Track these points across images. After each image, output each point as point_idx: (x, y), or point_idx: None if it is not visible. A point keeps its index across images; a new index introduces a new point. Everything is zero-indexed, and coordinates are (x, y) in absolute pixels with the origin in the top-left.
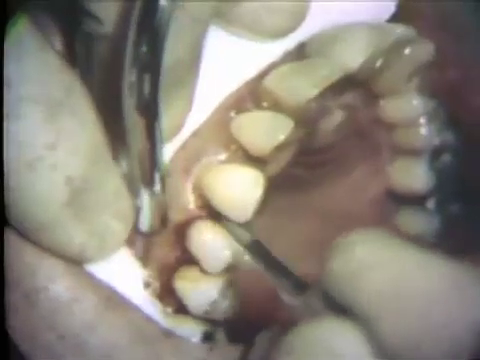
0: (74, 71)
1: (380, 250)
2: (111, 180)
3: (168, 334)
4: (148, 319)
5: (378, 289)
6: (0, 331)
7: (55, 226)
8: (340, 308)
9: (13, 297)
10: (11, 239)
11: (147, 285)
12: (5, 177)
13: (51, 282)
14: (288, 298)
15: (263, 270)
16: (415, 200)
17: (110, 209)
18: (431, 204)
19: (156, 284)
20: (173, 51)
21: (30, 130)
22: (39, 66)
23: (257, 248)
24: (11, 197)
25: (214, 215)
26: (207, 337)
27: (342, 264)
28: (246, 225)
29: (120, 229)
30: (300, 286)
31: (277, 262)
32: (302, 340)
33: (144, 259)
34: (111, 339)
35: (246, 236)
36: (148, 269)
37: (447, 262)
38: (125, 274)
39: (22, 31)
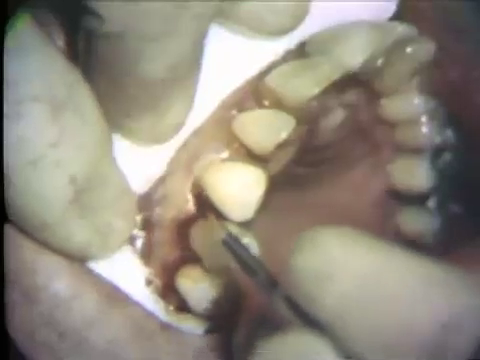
0: (76, 69)
1: (349, 247)
2: (114, 178)
3: (167, 327)
4: (148, 314)
5: (345, 292)
6: (0, 331)
7: (58, 224)
8: (302, 311)
9: (13, 295)
10: (11, 236)
11: (149, 283)
12: (7, 176)
13: (51, 279)
14: (262, 295)
15: (237, 265)
16: (416, 199)
17: (113, 207)
18: (432, 203)
19: (158, 282)
20: (175, 48)
21: (33, 129)
22: (41, 64)
23: (231, 242)
24: (13, 196)
25: (215, 213)
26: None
27: (306, 262)
28: (247, 224)
29: (123, 227)
30: (270, 282)
31: (251, 257)
32: (271, 353)
33: (146, 257)
34: (111, 335)
35: (221, 231)
36: (150, 267)
37: (420, 261)
38: (127, 272)
39: (24, 29)
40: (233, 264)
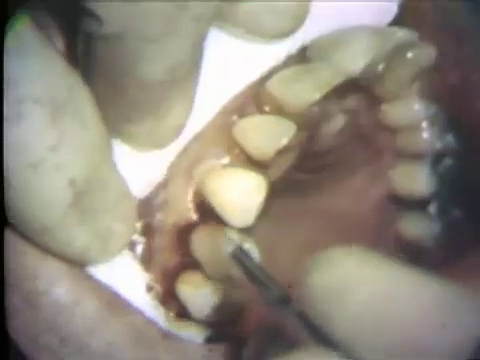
0: (76, 72)
1: (363, 266)
2: (114, 182)
3: (167, 335)
4: (148, 321)
5: (360, 310)
6: (1, 333)
7: (58, 228)
8: (316, 328)
9: (14, 300)
10: (12, 241)
11: (149, 289)
12: (7, 179)
13: (52, 285)
14: (272, 309)
15: (246, 279)
16: (417, 204)
17: (113, 211)
18: (433, 208)
19: (158, 288)
20: (174, 50)
21: (33, 132)
22: (42, 67)
23: (240, 255)
24: (13, 199)
25: (216, 219)
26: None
27: (322, 280)
28: (247, 230)
29: (123, 231)
30: (283, 299)
31: (261, 271)
32: None
33: (146, 263)
34: (111, 342)
35: (229, 244)
36: (150, 273)
37: (431, 280)
38: (128, 278)
39: (24, 31)
40: (235, 272)
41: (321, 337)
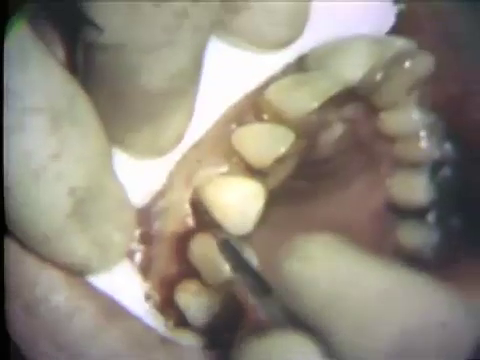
0: (76, 80)
1: (332, 255)
2: (114, 190)
3: (166, 341)
4: (147, 327)
5: (328, 296)
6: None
7: (58, 237)
8: (295, 316)
9: (13, 307)
10: (11, 249)
11: (148, 297)
12: (7, 188)
13: (51, 292)
14: (254, 302)
15: (231, 270)
16: (415, 213)
17: (113, 220)
18: (431, 217)
19: (157, 296)
20: (174, 60)
21: (33, 140)
22: (42, 75)
23: (226, 247)
24: (14, 208)
25: (214, 226)
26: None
27: (294, 266)
28: (246, 237)
29: (122, 240)
30: (265, 289)
31: (245, 263)
32: (255, 354)
33: (145, 271)
34: (111, 348)
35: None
36: (149, 281)
37: (402, 271)
38: (126, 286)
39: (24, 40)
40: (232, 276)
41: (296, 322)
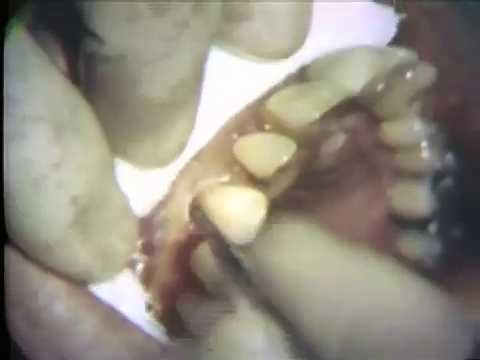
0: (77, 90)
1: (302, 242)
2: (116, 199)
3: (167, 350)
4: (148, 337)
5: (296, 283)
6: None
7: (60, 246)
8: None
9: (15, 317)
10: (12, 258)
11: (149, 308)
12: (8, 196)
13: (52, 302)
14: (237, 293)
15: (219, 262)
16: (416, 223)
17: (115, 229)
18: (432, 227)
19: (158, 306)
20: (175, 70)
21: (35, 149)
22: (43, 85)
23: (217, 238)
24: (15, 216)
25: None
26: None
27: (264, 251)
28: (248, 246)
29: (124, 249)
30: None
31: (233, 256)
32: (220, 338)
33: (147, 281)
34: (112, 358)
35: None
36: (150, 291)
37: (375, 258)
38: (128, 297)
39: (25, 47)
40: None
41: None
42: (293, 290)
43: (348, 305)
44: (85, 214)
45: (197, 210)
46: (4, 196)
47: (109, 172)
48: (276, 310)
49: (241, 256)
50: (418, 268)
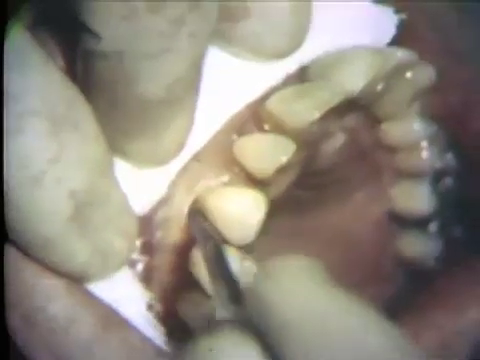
0: (75, 87)
1: (296, 282)
2: (115, 196)
3: (162, 353)
4: (144, 338)
5: (287, 321)
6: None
7: (59, 241)
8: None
9: (14, 317)
10: (11, 257)
11: (150, 308)
12: (7, 192)
13: (49, 301)
14: (222, 307)
15: (209, 274)
16: (417, 223)
17: (113, 226)
18: (433, 227)
19: (158, 307)
20: (172, 67)
21: (33, 144)
22: (42, 79)
23: (194, 216)
24: (13, 212)
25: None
26: None
27: (259, 287)
28: (248, 247)
29: (123, 247)
30: (237, 298)
31: (226, 269)
32: (200, 352)
33: (147, 282)
34: (108, 359)
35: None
36: (151, 291)
37: (364, 310)
38: (128, 297)
39: (24, 46)
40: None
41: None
42: (280, 326)
43: (329, 353)
44: (83, 209)
45: (194, 216)
46: (4, 191)
47: (107, 169)
48: (259, 334)
49: (237, 270)
50: (418, 267)
